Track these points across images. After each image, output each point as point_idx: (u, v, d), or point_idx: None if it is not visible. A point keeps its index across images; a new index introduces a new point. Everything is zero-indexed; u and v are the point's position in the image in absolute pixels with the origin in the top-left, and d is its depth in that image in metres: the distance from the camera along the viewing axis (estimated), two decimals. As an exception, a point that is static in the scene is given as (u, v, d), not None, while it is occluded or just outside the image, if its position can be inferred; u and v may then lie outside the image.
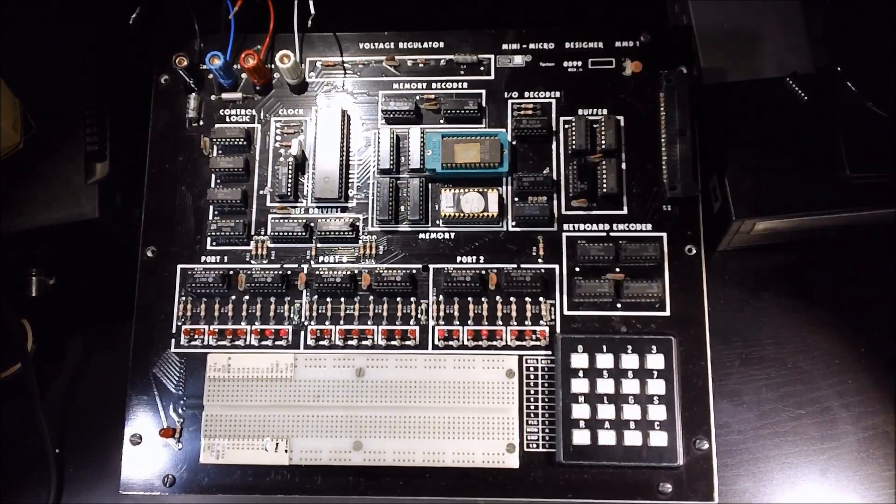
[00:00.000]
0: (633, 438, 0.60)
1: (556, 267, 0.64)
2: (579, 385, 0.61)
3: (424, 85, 0.67)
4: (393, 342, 0.63)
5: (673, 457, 0.60)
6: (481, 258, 0.64)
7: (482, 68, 0.67)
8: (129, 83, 0.71)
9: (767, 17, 0.70)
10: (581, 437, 0.60)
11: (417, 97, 0.67)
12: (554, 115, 0.66)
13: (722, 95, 0.68)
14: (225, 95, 0.68)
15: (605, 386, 0.61)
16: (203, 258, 0.66)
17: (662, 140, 0.65)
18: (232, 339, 0.64)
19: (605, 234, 0.64)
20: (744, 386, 0.71)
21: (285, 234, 0.65)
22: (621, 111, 0.66)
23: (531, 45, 0.67)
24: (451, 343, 0.63)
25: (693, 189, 0.63)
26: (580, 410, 0.61)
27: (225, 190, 0.66)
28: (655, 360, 0.61)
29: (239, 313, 0.65)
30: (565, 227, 0.65)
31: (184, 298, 0.65)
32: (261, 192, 0.66)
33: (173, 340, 0.64)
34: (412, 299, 0.64)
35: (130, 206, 0.70)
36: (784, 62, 0.68)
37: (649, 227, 0.64)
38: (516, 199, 0.65)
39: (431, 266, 0.65)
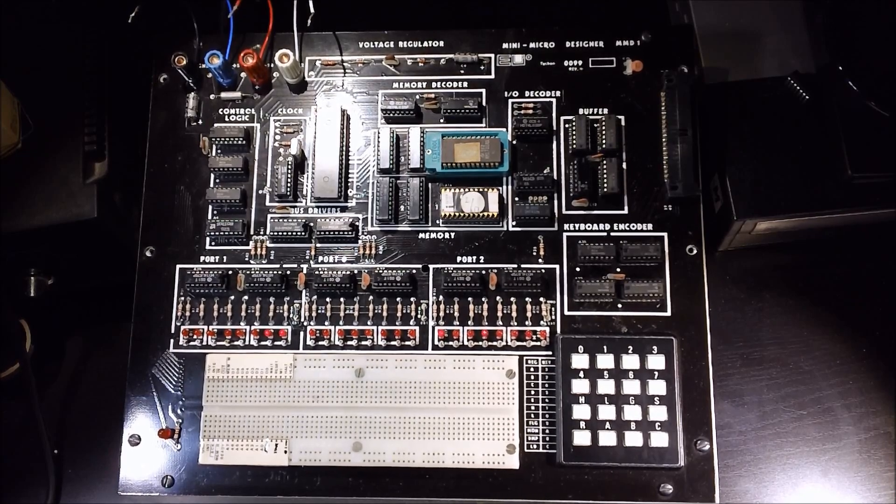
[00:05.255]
0: (633, 439, 0.60)
1: (557, 267, 0.64)
2: (580, 386, 0.61)
3: (424, 84, 0.67)
4: (393, 342, 0.63)
5: (674, 457, 0.60)
6: (481, 258, 0.64)
7: (482, 67, 0.67)
8: (127, 82, 0.71)
9: (768, 16, 0.70)
10: (582, 437, 0.60)
11: (417, 96, 0.67)
12: (554, 115, 0.66)
13: (723, 95, 0.68)
14: (224, 95, 0.68)
15: (606, 386, 0.61)
16: (202, 258, 0.65)
17: (663, 140, 0.65)
18: (231, 340, 0.64)
19: (605, 233, 0.64)
20: (745, 386, 0.71)
21: (284, 233, 0.64)
22: (622, 111, 0.66)
23: (531, 45, 0.67)
24: (451, 343, 0.63)
25: (694, 189, 0.63)
26: (581, 411, 0.61)
27: (224, 189, 0.65)
28: (656, 361, 0.61)
29: (238, 313, 0.64)
30: (566, 226, 0.64)
31: (182, 298, 0.65)
32: (260, 192, 0.66)
33: (172, 341, 0.64)
34: (412, 299, 0.64)
35: (129, 205, 0.69)
36: (785, 61, 0.68)
37: (650, 226, 0.64)
38: (516, 198, 0.65)
39: (431, 266, 0.64)
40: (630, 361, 0.61)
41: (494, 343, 0.63)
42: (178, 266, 0.65)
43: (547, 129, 0.65)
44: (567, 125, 0.66)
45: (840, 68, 0.66)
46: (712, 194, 0.69)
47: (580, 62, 0.67)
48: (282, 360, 0.63)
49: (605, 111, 0.66)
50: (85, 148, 0.67)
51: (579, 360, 0.61)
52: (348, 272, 0.64)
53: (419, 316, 0.64)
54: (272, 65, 0.67)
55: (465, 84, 0.67)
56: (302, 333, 0.64)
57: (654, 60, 0.66)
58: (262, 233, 0.66)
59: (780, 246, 0.73)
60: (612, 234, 0.64)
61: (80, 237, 0.67)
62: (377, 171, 0.66)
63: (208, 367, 0.63)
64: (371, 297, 0.64)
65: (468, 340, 0.63)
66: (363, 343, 0.63)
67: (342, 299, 0.64)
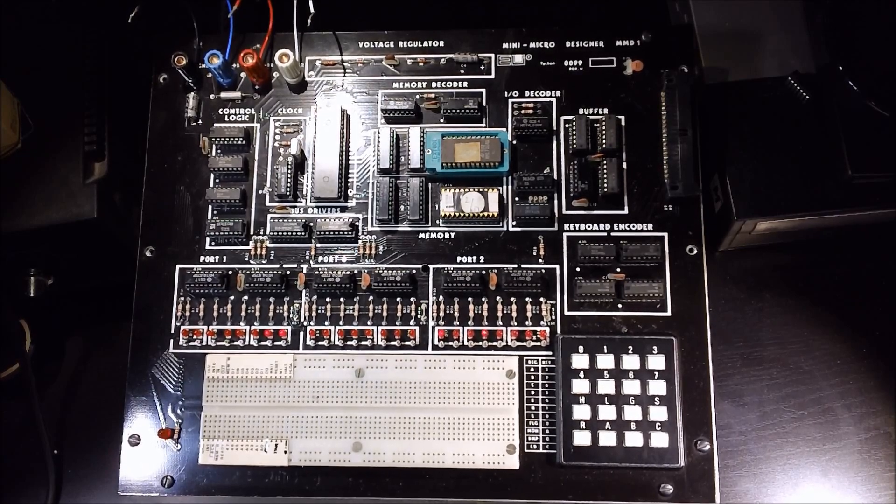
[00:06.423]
0: (633, 439, 0.60)
1: (557, 267, 0.64)
2: (580, 386, 0.61)
3: (424, 84, 0.67)
4: (393, 342, 0.63)
5: (674, 458, 0.60)
6: (481, 258, 0.64)
7: (482, 67, 0.67)
8: (127, 82, 0.71)
9: (768, 16, 0.70)
10: (582, 437, 0.60)
11: (417, 96, 0.67)
12: (554, 115, 0.66)
13: (723, 95, 0.68)
14: (224, 95, 0.68)
15: (606, 387, 0.61)
16: (202, 258, 0.65)
17: (663, 139, 0.65)
18: (231, 340, 0.64)
19: (605, 233, 0.64)
20: (745, 386, 0.71)
21: (284, 233, 0.64)
22: (622, 110, 0.66)
23: (531, 44, 0.67)
24: (451, 343, 0.63)
25: (694, 189, 0.63)
26: (581, 411, 0.61)
27: (224, 189, 0.65)
28: (656, 361, 0.61)
29: (238, 313, 0.64)
30: (566, 226, 0.64)
31: (182, 299, 0.65)
32: (260, 192, 0.66)
33: (172, 341, 0.64)
34: (412, 299, 0.64)
35: (129, 205, 0.69)
36: (785, 61, 0.68)
37: (650, 226, 0.64)
38: (517, 198, 0.65)
39: (431, 266, 0.64)
40: (630, 361, 0.61)
41: (494, 343, 0.63)
42: (178, 266, 0.65)
43: (547, 129, 0.65)
44: (567, 125, 0.66)
45: (840, 68, 0.66)
46: (712, 194, 0.69)
47: (580, 62, 0.67)
48: (282, 360, 0.63)
49: (605, 111, 0.66)
50: (85, 148, 0.67)
51: (579, 361, 0.61)
52: (348, 272, 0.64)
53: (419, 316, 0.64)
54: (272, 65, 0.67)
55: (465, 84, 0.67)
56: (302, 333, 0.64)
57: (654, 60, 0.66)
58: (262, 233, 0.66)
59: (780, 246, 0.73)
60: (612, 234, 0.64)
61: (80, 237, 0.67)
62: (377, 171, 0.66)
63: (208, 367, 0.63)
64: (371, 297, 0.64)
65: (468, 340, 0.63)
66: (363, 343, 0.63)
67: (342, 299, 0.64)
